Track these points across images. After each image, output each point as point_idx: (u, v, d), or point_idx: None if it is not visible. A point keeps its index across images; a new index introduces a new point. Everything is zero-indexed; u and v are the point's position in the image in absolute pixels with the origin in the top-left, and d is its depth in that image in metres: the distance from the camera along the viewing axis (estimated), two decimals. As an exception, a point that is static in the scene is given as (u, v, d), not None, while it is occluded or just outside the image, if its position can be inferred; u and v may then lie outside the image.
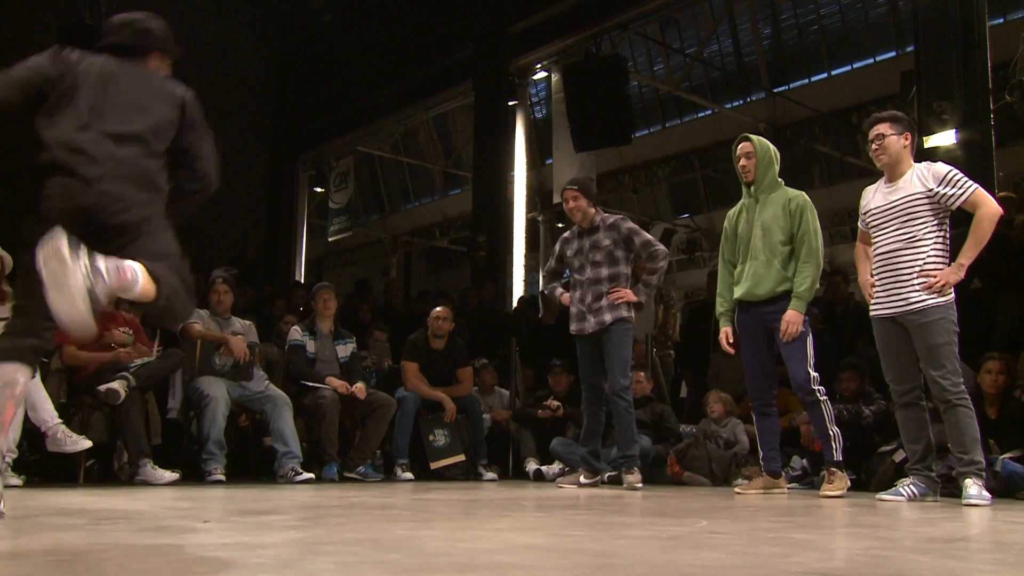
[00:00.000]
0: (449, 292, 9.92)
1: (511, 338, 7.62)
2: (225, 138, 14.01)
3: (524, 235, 11.66)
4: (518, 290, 11.32)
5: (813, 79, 14.50)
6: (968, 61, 7.09)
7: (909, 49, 10.65)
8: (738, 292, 4.62)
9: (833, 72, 14.31)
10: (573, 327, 5.13)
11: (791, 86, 14.55)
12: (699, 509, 3.45)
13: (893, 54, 13.28)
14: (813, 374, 4.39)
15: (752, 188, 4.62)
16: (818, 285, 4.56)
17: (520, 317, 9.05)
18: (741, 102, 15.37)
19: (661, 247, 5.15)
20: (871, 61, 13.79)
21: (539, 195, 14.46)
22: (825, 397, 4.43)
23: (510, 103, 11.59)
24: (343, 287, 10.50)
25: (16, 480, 4.35)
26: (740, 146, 4.68)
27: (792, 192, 4.59)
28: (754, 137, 4.70)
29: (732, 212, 4.79)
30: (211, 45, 13.97)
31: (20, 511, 2.88)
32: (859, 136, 13.82)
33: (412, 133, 16.86)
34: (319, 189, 14.98)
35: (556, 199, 11.79)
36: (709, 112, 15.33)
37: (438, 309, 6.62)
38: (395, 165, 18.67)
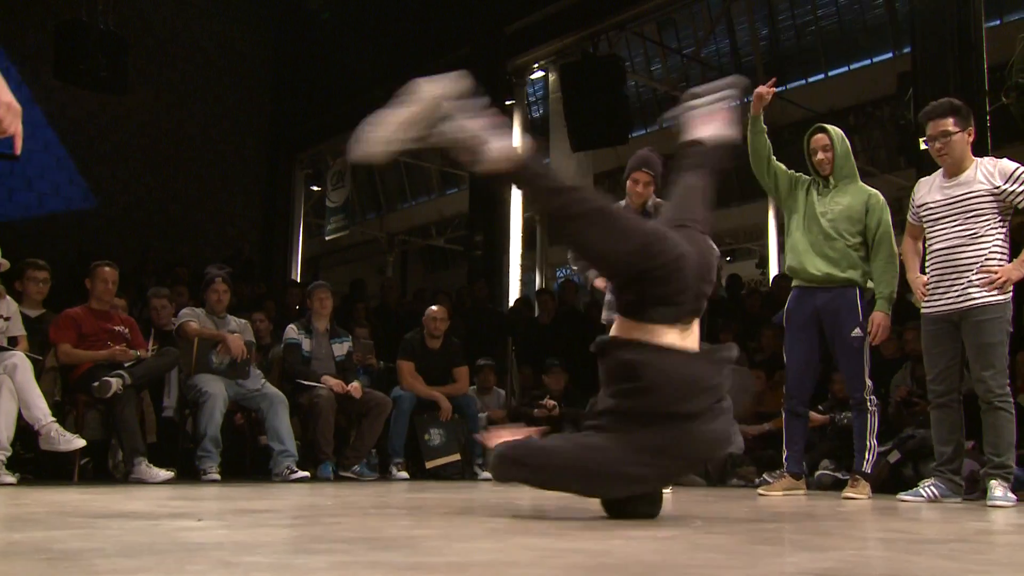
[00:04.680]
0: (446, 291, 9.92)
1: (507, 337, 7.62)
2: (222, 136, 14.05)
3: (521, 235, 11.65)
4: (515, 289, 11.31)
5: (810, 80, 14.51)
6: (964, 63, 7.09)
7: (906, 50, 10.67)
8: (791, 260, 4.47)
9: (830, 73, 14.33)
10: (605, 315, 4.62)
11: (788, 87, 14.55)
12: (694, 509, 3.45)
13: (890, 55, 13.30)
14: (868, 383, 4.33)
15: (830, 179, 4.45)
16: None
17: (516, 316, 9.05)
18: (738, 103, 15.38)
19: (714, 245, 4.91)
20: (868, 62, 13.82)
21: (536, 194, 14.42)
22: (875, 408, 4.37)
23: (507, 102, 11.58)
24: (339, 286, 10.50)
25: (10, 478, 4.33)
26: (815, 137, 4.51)
27: (870, 188, 4.47)
28: (830, 128, 4.54)
29: (797, 174, 4.60)
30: (209, 42, 13.95)
31: (14, 509, 2.88)
32: (856, 137, 13.85)
33: (409, 132, 16.84)
34: (316, 188, 14.95)
35: (553, 199, 11.78)
36: (707, 113, 15.32)
37: (434, 308, 6.63)
38: (392, 164, 18.65)
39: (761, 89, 4.40)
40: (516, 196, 11.58)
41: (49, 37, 9.87)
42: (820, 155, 4.47)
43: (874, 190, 4.48)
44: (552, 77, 11.32)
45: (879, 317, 4.27)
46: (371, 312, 9.28)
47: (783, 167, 4.62)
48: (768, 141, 4.56)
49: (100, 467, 5.41)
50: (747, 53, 15.16)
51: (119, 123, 12.69)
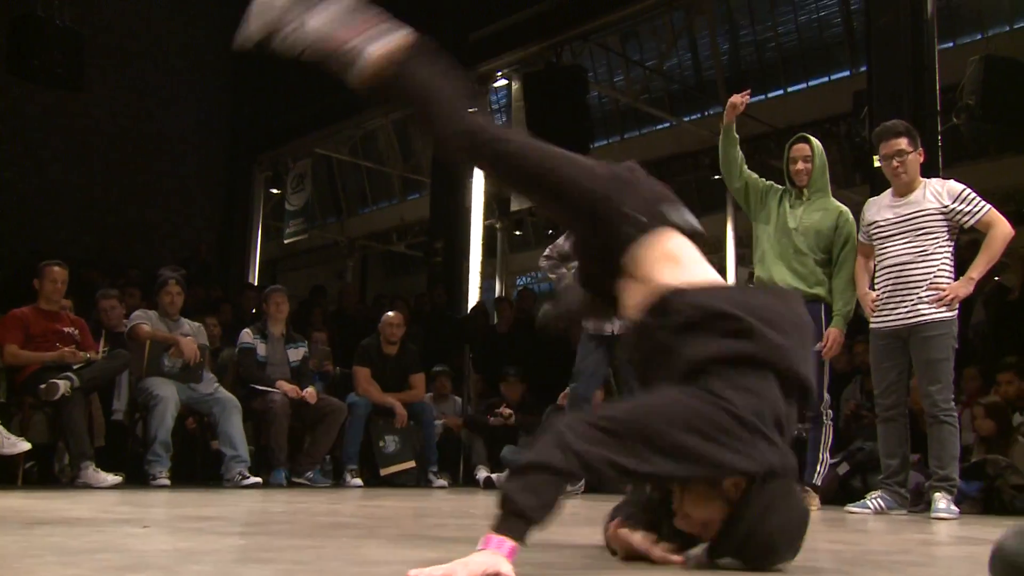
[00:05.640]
0: (405, 297, 9.89)
1: (464, 345, 7.61)
2: (181, 136, 13.84)
3: (481, 242, 11.66)
4: (474, 296, 11.30)
5: (769, 95, 14.73)
6: (918, 83, 7.25)
7: (862, 69, 10.88)
8: (760, 271, 4.50)
9: (788, 89, 14.55)
10: (591, 324, 4.66)
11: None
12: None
13: (847, 74, 13.55)
14: (826, 397, 4.39)
15: (804, 191, 4.47)
16: None
17: (474, 324, 9.04)
18: (699, 115, 15.55)
19: None
20: (825, 80, 14.06)
21: (497, 202, 14.45)
22: (831, 422, 4.42)
23: (470, 110, 11.58)
24: (298, 290, 10.41)
25: (-49, 481, 4.23)
26: (797, 147, 4.53)
27: (841, 205, 4.50)
28: (812, 139, 4.57)
29: (769, 183, 4.61)
30: (169, 40, 13.73)
31: (-47, 514, 2.80)
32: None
33: (371, 136, 16.76)
34: (275, 191, 14.82)
35: (514, 206, 11.82)
36: (668, 124, 15.47)
37: (390, 315, 6.60)
38: (353, 168, 18.53)
39: (735, 98, 4.46)
40: (477, 203, 11.58)
41: (4, 32, 9.64)
42: (800, 164, 4.49)
43: (845, 207, 4.53)
44: (515, 86, 11.33)
45: (834, 333, 4.34)
46: (329, 317, 9.21)
47: (755, 176, 4.66)
48: (740, 153, 4.60)
49: (45, 471, 5.29)
50: (708, 67, 15.34)
51: (74, 120, 12.43)
